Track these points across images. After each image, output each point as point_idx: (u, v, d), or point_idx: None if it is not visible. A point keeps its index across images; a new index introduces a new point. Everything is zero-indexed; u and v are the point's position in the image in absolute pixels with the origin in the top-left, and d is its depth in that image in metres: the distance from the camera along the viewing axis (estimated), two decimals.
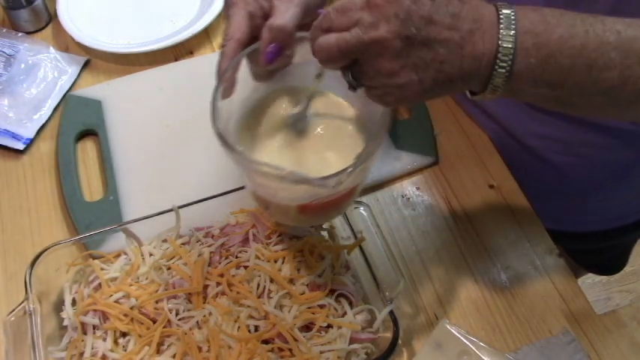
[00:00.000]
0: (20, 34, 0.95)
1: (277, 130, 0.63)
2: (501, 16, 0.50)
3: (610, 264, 1.10)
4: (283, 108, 0.64)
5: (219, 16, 0.97)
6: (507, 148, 0.85)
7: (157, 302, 0.66)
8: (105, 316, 0.65)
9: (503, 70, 0.50)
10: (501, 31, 0.49)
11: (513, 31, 0.49)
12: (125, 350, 0.64)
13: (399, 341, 0.63)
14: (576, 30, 0.50)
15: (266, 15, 0.59)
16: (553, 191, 0.87)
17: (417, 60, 0.49)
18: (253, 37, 0.59)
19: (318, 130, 0.62)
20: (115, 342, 0.64)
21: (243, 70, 0.60)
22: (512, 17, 0.50)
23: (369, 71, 0.51)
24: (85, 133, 0.85)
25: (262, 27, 0.58)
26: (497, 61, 0.50)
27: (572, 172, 0.85)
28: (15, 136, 0.84)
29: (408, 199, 0.81)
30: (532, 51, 0.50)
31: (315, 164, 0.61)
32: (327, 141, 0.62)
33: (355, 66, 0.52)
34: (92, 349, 0.64)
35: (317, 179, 0.53)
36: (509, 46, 0.49)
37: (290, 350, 0.63)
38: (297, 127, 0.62)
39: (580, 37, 0.50)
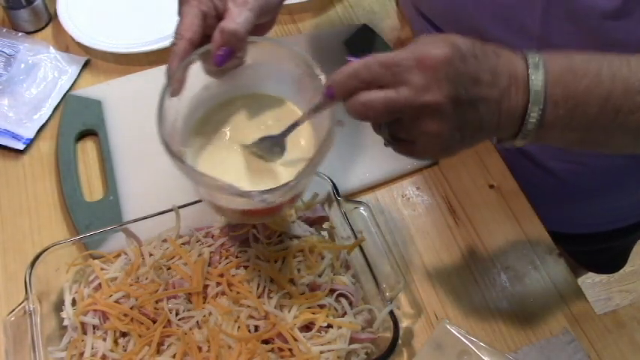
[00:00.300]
0: (20, 34, 0.95)
1: (228, 135, 0.63)
2: (530, 67, 0.50)
3: (610, 263, 1.10)
4: (236, 113, 0.65)
5: None
6: (506, 153, 0.85)
7: (157, 302, 0.66)
8: (105, 316, 0.65)
9: (534, 122, 0.50)
10: (532, 81, 0.49)
11: (542, 82, 0.49)
12: (125, 350, 0.64)
13: (399, 341, 0.63)
14: (603, 78, 0.50)
15: (219, 15, 0.59)
16: (552, 196, 0.87)
17: (461, 120, 0.49)
18: (206, 36, 0.59)
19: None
20: (115, 342, 0.64)
21: (194, 67, 0.60)
22: (541, 66, 0.50)
23: (413, 131, 0.50)
24: (85, 133, 0.85)
25: (215, 27, 0.58)
26: (530, 112, 0.50)
27: (571, 178, 0.85)
28: (15, 136, 0.84)
29: (408, 199, 0.81)
30: (561, 102, 0.50)
31: (263, 173, 0.61)
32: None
33: (394, 122, 0.51)
34: (92, 349, 0.64)
35: (255, 194, 0.53)
36: (540, 99, 0.49)
37: (290, 350, 0.63)
38: (273, 150, 0.61)
39: (606, 86, 0.50)
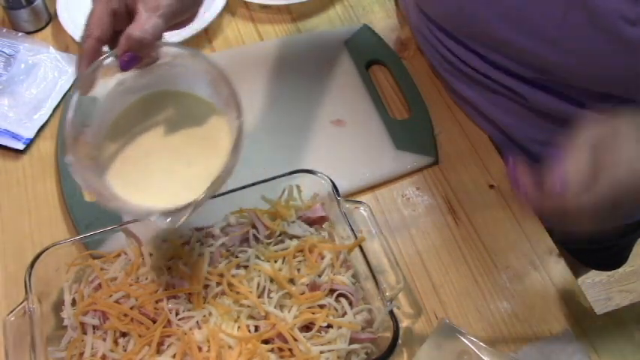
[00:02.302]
0: (20, 34, 0.95)
1: (144, 136, 0.62)
2: None
3: (611, 260, 1.10)
4: (155, 113, 0.63)
5: (220, 16, 0.97)
6: (510, 152, 0.85)
7: (157, 302, 0.66)
8: (105, 316, 0.65)
9: None
10: None
11: None
12: (125, 350, 0.64)
13: (399, 341, 0.63)
14: None
15: (130, 13, 0.58)
16: None
17: None
18: (116, 31, 0.58)
19: (187, 142, 0.62)
20: (115, 342, 0.64)
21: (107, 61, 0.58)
22: None
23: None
24: None
25: (126, 22, 0.57)
26: None
27: None
28: (15, 136, 0.84)
29: (408, 199, 0.81)
30: None
31: (178, 180, 0.61)
32: (193, 156, 0.62)
33: None
34: (92, 349, 0.64)
35: (157, 216, 0.55)
36: None
37: (290, 350, 0.63)
38: None
39: None
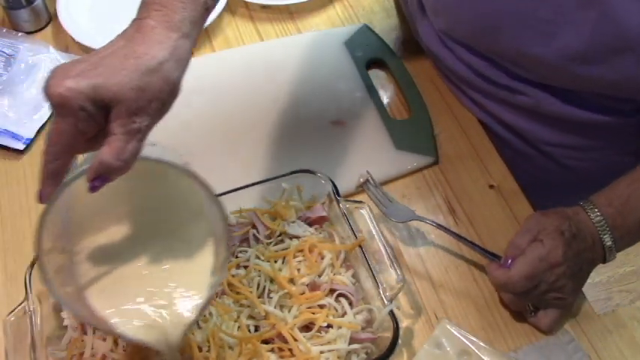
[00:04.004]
0: (20, 34, 0.95)
1: (122, 239, 0.59)
2: (600, 232, 0.68)
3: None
4: (135, 206, 0.60)
5: (220, 16, 0.97)
6: (520, 149, 0.86)
7: None
8: None
9: (613, 257, 0.70)
10: (605, 242, 0.68)
11: (611, 241, 0.68)
12: (125, 350, 0.64)
13: (399, 341, 0.63)
14: None
15: (100, 126, 0.51)
16: (560, 188, 0.88)
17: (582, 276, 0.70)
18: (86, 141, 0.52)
19: (167, 260, 0.59)
20: (115, 342, 0.64)
21: None
22: (608, 230, 0.68)
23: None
24: None
25: (96, 133, 0.51)
26: (607, 256, 0.69)
27: (587, 173, 0.85)
28: (15, 136, 0.84)
29: (409, 199, 0.81)
30: (626, 238, 0.69)
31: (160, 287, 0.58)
32: (173, 273, 0.59)
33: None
34: (92, 349, 0.64)
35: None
36: (613, 249, 0.68)
37: (290, 350, 0.63)
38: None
39: None
